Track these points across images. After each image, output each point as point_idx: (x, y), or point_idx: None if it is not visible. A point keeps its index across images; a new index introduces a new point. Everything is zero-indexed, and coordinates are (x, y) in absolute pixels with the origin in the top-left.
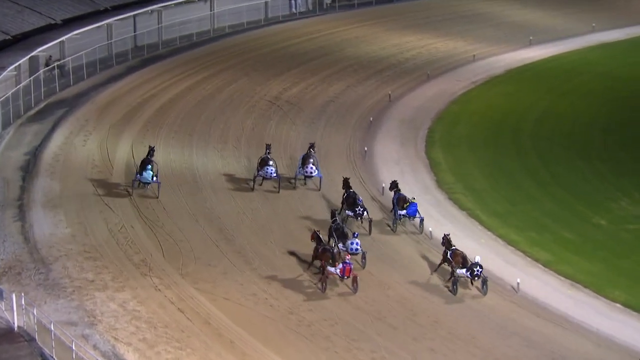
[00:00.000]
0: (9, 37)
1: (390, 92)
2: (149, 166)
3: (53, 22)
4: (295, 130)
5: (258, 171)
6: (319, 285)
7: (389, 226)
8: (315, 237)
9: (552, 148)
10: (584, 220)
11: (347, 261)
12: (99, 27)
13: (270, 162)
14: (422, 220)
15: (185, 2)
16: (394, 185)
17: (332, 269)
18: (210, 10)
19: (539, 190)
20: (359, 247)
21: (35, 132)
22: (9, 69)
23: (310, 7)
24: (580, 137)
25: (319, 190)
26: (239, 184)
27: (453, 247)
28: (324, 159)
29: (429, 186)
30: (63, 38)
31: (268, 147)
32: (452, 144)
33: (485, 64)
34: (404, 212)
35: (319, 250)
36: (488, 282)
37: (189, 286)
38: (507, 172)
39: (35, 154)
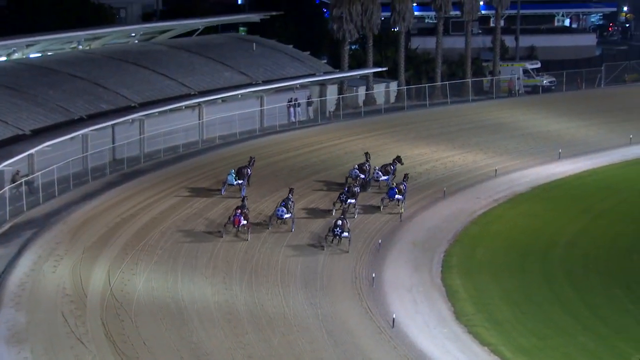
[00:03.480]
0: None
1: (402, 211)
2: (232, 170)
3: (21, 132)
4: (293, 254)
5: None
6: None
7: None
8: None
9: (587, 275)
10: (623, 358)
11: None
12: (72, 138)
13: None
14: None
15: (170, 110)
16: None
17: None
18: (199, 119)
19: (571, 322)
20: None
21: None
22: None
23: (312, 116)
24: (619, 264)
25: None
26: (230, 315)
27: None
28: (326, 287)
29: (446, 317)
30: (32, 150)
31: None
32: (471, 270)
33: (508, 180)
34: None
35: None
36: None
37: None
38: (534, 302)
39: None
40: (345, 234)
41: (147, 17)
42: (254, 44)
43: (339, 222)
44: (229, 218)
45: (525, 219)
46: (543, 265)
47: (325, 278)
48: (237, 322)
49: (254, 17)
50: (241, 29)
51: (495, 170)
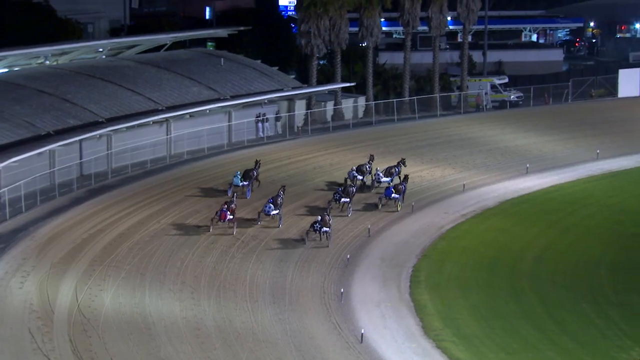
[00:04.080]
0: None
1: (369, 226)
2: (238, 172)
3: None
4: (262, 269)
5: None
6: None
7: None
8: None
9: (554, 290)
10: None
11: (223, 209)
12: (40, 153)
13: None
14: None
15: (138, 126)
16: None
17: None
18: (167, 135)
19: (539, 337)
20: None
21: None
22: None
23: (280, 131)
24: (586, 278)
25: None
26: (198, 330)
27: None
28: (294, 302)
29: (414, 332)
30: None
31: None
32: (439, 285)
33: (476, 195)
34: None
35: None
36: None
37: None
38: (502, 317)
39: None
40: (326, 229)
41: (114, 33)
42: (222, 59)
43: (319, 217)
44: (216, 213)
45: (493, 234)
46: (511, 280)
47: (294, 293)
48: (205, 338)
49: (222, 32)
50: (209, 44)
51: (463, 185)
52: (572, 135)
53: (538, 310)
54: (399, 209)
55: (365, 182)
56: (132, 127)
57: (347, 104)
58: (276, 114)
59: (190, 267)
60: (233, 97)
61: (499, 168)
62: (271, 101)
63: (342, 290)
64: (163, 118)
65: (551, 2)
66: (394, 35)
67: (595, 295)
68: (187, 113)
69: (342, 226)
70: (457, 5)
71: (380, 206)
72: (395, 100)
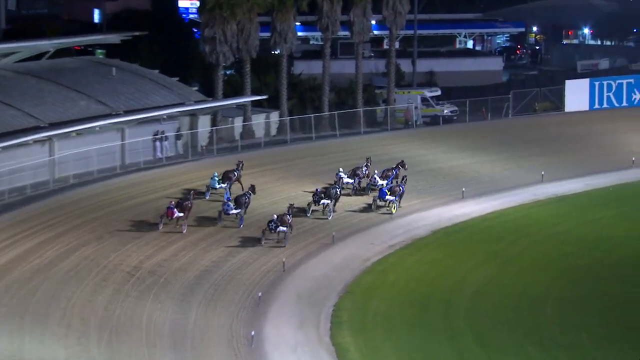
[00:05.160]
0: None
1: (284, 259)
2: (216, 173)
3: None
4: (160, 309)
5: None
6: None
7: None
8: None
9: (495, 329)
10: None
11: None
12: None
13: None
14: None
15: (16, 145)
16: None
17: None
18: (50, 156)
19: None
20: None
21: None
22: None
23: (181, 151)
24: (531, 316)
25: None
26: None
27: None
28: (198, 347)
29: None
30: None
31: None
32: (364, 326)
33: (405, 223)
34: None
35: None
36: None
37: None
38: None
39: None
40: (283, 228)
41: None
42: (114, 68)
43: (275, 216)
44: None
45: (425, 267)
46: (446, 319)
47: (197, 336)
48: None
49: (114, 38)
50: (99, 51)
51: (392, 212)
52: (513, 155)
53: (477, 353)
54: (393, 211)
55: (360, 186)
56: (9, 147)
57: (258, 120)
58: (177, 132)
59: (78, 307)
60: (127, 113)
61: (431, 192)
62: (171, 117)
63: (252, 332)
64: (45, 136)
65: (489, 4)
66: (312, 42)
67: (541, 335)
68: (73, 130)
69: (252, 260)
70: (383, 8)
71: (374, 207)
72: (313, 115)
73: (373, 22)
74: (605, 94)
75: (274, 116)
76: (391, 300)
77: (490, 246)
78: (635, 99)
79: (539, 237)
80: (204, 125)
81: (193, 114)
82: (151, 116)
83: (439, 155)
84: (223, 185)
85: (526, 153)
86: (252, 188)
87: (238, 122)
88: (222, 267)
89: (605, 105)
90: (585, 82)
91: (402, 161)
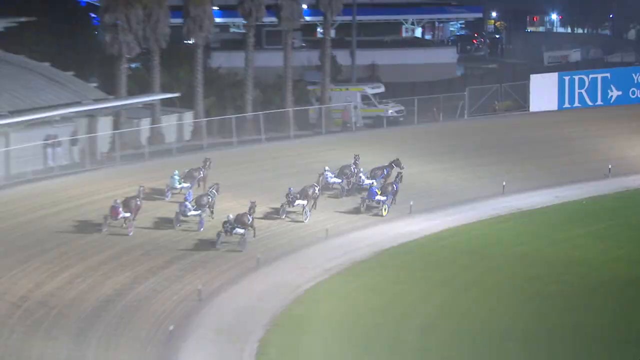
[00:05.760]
0: None
1: (200, 287)
2: (176, 171)
3: None
4: (53, 347)
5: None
6: None
7: None
8: None
9: None
10: None
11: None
12: None
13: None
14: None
15: None
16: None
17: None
18: None
19: None
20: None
21: None
22: None
23: (77, 159)
24: (490, 354)
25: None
26: None
27: None
28: None
29: None
30: None
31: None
32: None
33: (344, 243)
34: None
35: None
36: None
37: None
38: None
39: None
40: (240, 230)
41: None
42: None
43: (230, 215)
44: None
45: (366, 295)
46: (391, 357)
47: None
48: None
49: None
50: None
51: (327, 229)
52: (469, 163)
53: None
54: (384, 213)
55: (348, 186)
56: None
57: (169, 122)
58: (72, 136)
59: None
60: (11, 114)
61: (372, 207)
62: (65, 118)
63: None
64: None
65: None
66: (232, 30)
67: None
68: None
69: (162, 287)
70: None
71: (362, 208)
72: (234, 116)
73: (304, 6)
74: (576, 91)
75: (188, 117)
76: (326, 335)
77: (444, 271)
78: (611, 96)
79: (500, 259)
80: (104, 128)
81: (91, 115)
82: (41, 117)
83: (382, 163)
84: (185, 185)
85: (485, 160)
86: (216, 186)
87: (145, 125)
88: (127, 295)
89: (576, 104)
90: (553, 77)
91: (397, 159)
